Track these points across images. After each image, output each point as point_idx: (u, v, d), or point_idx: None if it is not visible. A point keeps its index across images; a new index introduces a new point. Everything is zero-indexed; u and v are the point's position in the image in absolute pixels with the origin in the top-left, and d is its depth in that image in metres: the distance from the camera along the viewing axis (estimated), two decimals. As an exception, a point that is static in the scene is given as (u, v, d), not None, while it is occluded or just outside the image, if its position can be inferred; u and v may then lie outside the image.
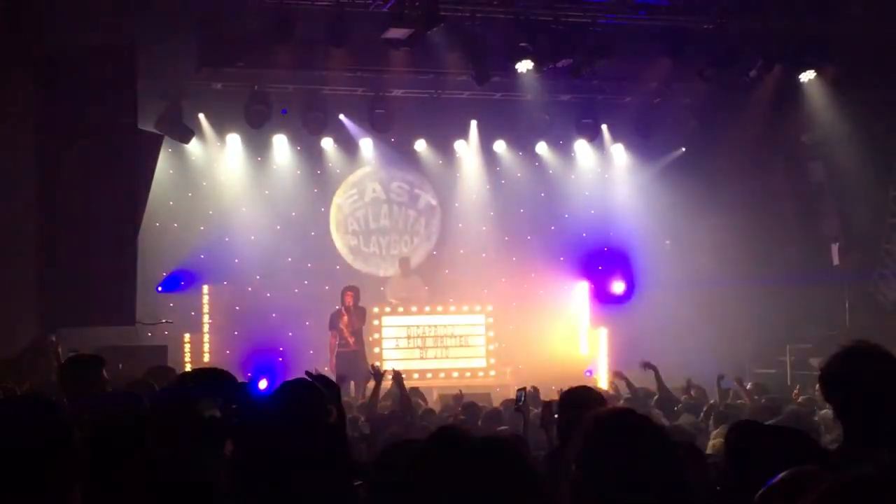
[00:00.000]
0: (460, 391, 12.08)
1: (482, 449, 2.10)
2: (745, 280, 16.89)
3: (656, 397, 10.36)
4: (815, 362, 13.91)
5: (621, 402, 9.99)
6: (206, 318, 17.08)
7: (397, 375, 9.62)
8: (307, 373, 5.22)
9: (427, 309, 17.86)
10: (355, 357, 15.22)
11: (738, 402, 10.37)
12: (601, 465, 3.06)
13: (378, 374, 10.18)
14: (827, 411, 8.19)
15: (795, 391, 11.83)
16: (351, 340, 15.36)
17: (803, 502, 1.46)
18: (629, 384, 10.88)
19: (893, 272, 15.88)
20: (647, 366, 10.73)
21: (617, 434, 3.13)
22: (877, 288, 15.99)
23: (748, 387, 11.16)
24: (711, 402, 10.12)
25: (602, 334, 18.14)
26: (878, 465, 1.43)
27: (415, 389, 11.25)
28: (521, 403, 6.92)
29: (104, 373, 6.08)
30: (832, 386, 3.66)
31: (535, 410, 7.43)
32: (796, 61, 15.37)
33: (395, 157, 18.50)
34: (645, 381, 11.12)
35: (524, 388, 7.12)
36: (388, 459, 3.47)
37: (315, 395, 4.48)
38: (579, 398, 5.38)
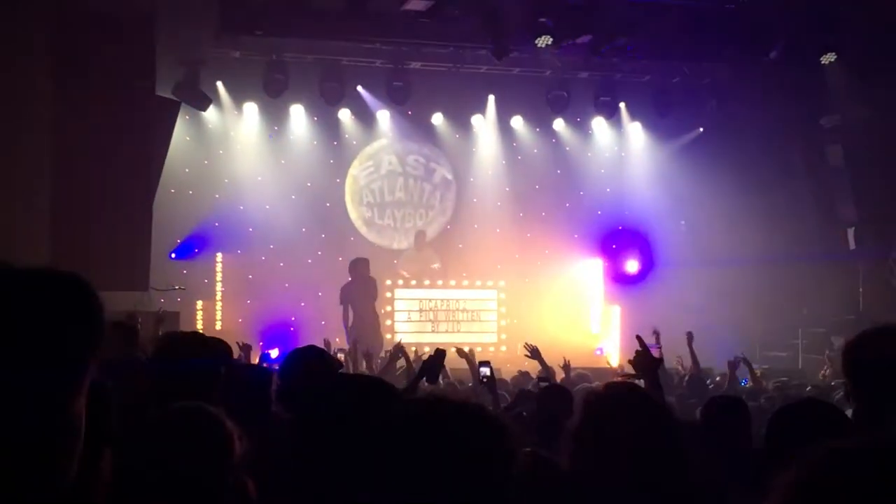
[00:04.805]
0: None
1: (462, 413, 2.04)
2: (759, 261, 16.80)
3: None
4: (837, 341, 13.83)
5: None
6: (218, 286, 17.12)
7: (399, 348, 9.46)
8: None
9: (440, 283, 17.90)
10: (368, 329, 15.19)
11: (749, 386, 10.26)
12: (597, 438, 3.07)
13: (399, 352, 9.87)
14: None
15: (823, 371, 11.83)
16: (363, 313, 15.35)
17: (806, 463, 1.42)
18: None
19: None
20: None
21: (615, 408, 3.13)
22: (892, 273, 15.89)
23: (758, 372, 11.01)
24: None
25: (615, 313, 18.11)
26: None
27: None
28: (487, 378, 6.80)
29: None
30: (856, 364, 3.57)
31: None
32: (818, 44, 15.21)
33: (412, 130, 18.45)
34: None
35: (488, 362, 7.02)
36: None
37: (324, 359, 4.49)
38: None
